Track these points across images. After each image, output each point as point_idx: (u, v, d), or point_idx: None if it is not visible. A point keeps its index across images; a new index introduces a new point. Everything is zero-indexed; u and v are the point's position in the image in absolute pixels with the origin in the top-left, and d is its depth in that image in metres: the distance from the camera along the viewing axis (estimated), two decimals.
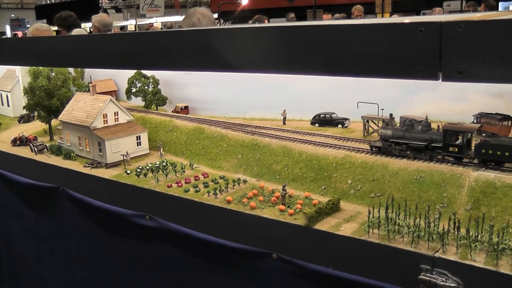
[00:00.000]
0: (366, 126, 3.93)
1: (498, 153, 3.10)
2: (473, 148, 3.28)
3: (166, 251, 3.51)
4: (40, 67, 5.24)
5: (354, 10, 15.33)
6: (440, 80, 1.97)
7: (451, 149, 3.32)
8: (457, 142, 3.31)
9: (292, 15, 16.68)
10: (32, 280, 5.02)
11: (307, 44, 2.36)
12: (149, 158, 4.48)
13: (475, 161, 3.21)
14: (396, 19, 6.62)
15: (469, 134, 3.31)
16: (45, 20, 28.96)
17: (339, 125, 3.97)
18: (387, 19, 8.65)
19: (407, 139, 3.52)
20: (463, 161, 3.27)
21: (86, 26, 16.31)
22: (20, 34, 32.61)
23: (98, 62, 3.86)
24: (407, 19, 2.14)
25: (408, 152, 3.49)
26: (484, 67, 1.85)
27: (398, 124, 3.70)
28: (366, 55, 2.17)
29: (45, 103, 5.25)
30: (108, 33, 8.46)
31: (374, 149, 3.63)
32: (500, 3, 18.48)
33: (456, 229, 2.53)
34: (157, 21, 32.23)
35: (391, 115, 3.76)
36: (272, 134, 4.19)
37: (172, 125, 4.90)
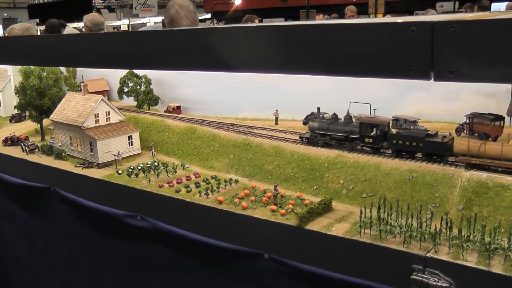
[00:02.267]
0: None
1: (407, 143, 3.42)
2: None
3: (157, 251, 3.49)
4: (31, 67, 5.21)
5: (347, 10, 15.34)
6: (432, 79, 1.96)
7: (366, 140, 3.63)
8: (372, 134, 3.61)
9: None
10: (23, 280, 4.99)
11: (299, 44, 2.35)
12: (141, 158, 4.46)
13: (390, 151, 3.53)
14: (389, 19, 6.62)
15: (382, 127, 3.58)
16: (37, 20, 28.89)
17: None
18: (380, 19, 8.67)
19: (331, 131, 3.83)
20: (380, 151, 3.58)
21: (79, 25, 16.25)
22: None
23: (89, 61, 3.84)
24: (399, 19, 2.13)
25: (332, 142, 3.80)
26: (476, 67, 1.84)
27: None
28: (358, 55, 2.16)
29: (36, 103, 5.22)
30: (100, 32, 8.43)
31: (305, 139, 3.94)
32: (493, 4, 18.53)
33: (448, 229, 2.53)
34: (150, 21, 32.14)
35: (318, 109, 4.01)
36: (264, 134, 4.18)
37: (164, 125, 4.89)
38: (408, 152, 3.43)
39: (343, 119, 3.86)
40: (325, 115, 3.97)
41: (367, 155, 3.55)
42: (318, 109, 4.01)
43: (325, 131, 3.85)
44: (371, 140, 3.60)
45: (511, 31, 1.75)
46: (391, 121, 3.67)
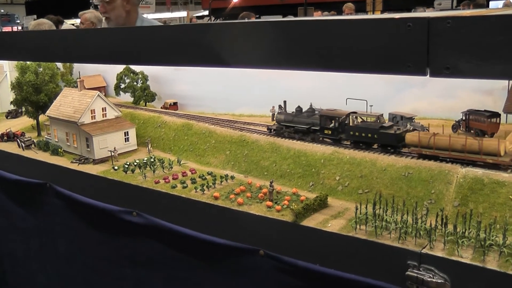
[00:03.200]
0: (354, 123, 3.93)
1: (363, 135, 3.62)
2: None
3: (153, 247, 3.49)
4: (27, 62, 5.20)
5: (345, 7, 15.35)
6: (428, 75, 1.96)
7: (326, 131, 3.84)
8: (331, 126, 3.82)
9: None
10: (19, 276, 4.99)
11: (295, 39, 2.35)
12: (137, 154, 4.46)
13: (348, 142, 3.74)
14: (384, 15, 6.62)
15: (340, 119, 3.77)
16: (35, 16, 28.81)
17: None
18: (376, 16, 8.67)
19: (294, 123, 4.03)
20: (341, 143, 3.78)
21: (76, 22, 16.21)
22: (9, 29, 32.39)
23: (86, 57, 3.83)
24: (396, 16, 2.13)
25: (296, 134, 4.01)
26: (472, 63, 1.84)
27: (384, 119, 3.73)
28: (354, 51, 2.16)
29: (32, 99, 5.21)
30: (98, 27, 8.41)
31: (272, 131, 4.14)
32: (490, 2, 18.55)
33: (443, 226, 2.53)
34: (148, 18, 32.16)
35: (284, 102, 4.20)
36: (260, 131, 4.18)
37: (161, 121, 4.88)
38: (365, 143, 3.62)
39: (306, 112, 4.07)
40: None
41: (363, 152, 3.55)
42: (285, 102, 4.20)
43: (289, 123, 4.05)
44: (330, 132, 3.82)
45: (507, 28, 1.76)
46: (349, 115, 3.83)
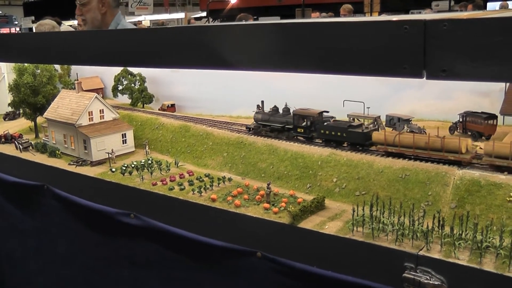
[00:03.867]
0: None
1: (333, 133, 3.78)
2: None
3: (150, 249, 3.49)
4: (25, 64, 5.19)
5: (342, 9, 15.33)
6: (425, 78, 1.96)
7: (299, 130, 4.00)
8: (303, 124, 3.97)
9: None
10: (17, 278, 4.98)
11: (292, 41, 2.35)
12: (135, 156, 4.46)
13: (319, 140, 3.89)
14: (381, 17, 6.62)
15: (311, 118, 3.94)
16: (33, 17, 28.78)
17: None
18: (373, 18, 8.67)
19: (271, 122, 4.19)
20: (313, 141, 3.93)
21: (74, 23, 16.20)
22: (7, 31, 32.35)
23: (84, 59, 3.83)
24: (394, 17, 2.14)
25: (272, 132, 4.18)
26: (468, 66, 1.84)
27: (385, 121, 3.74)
28: (351, 53, 2.16)
29: (30, 100, 5.21)
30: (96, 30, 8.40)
31: (251, 130, 4.30)
32: (488, 3, 18.57)
33: (440, 227, 2.53)
34: (146, 19, 32.11)
35: (262, 102, 4.36)
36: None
37: (158, 123, 4.88)
38: (335, 141, 3.77)
39: (281, 111, 4.25)
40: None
41: (357, 153, 3.56)
42: (262, 102, 4.36)
43: (266, 122, 4.22)
44: (302, 130, 3.99)
45: (504, 30, 1.76)
46: (321, 114, 4.00)
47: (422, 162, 3.27)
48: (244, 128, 4.40)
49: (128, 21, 6.95)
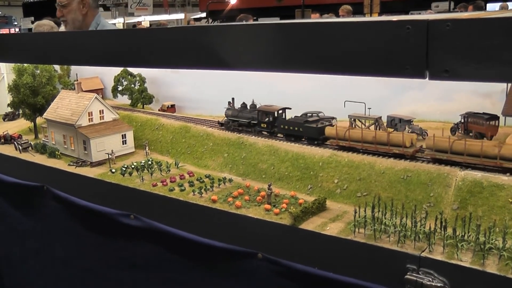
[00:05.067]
0: (353, 125, 3.92)
1: (291, 128, 4.01)
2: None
3: (150, 250, 3.48)
4: (25, 64, 5.18)
5: (341, 10, 15.32)
6: (427, 78, 1.95)
7: (262, 125, 4.24)
8: (266, 120, 4.22)
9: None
10: (16, 279, 4.97)
11: (293, 42, 2.34)
12: (135, 157, 4.45)
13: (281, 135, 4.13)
14: (383, 17, 6.62)
15: (273, 114, 4.18)
16: (32, 18, 28.79)
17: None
18: (375, 18, 8.67)
19: (239, 117, 4.44)
20: (275, 135, 4.16)
21: None
22: (7, 31, 32.37)
23: (83, 60, 3.82)
24: (395, 18, 2.12)
25: (240, 127, 4.41)
26: (471, 66, 1.83)
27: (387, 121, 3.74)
28: (353, 53, 2.15)
29: (30, 101, 5.20)
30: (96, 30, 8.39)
31: (222, 126, 4.54)
32: (488, 4, 18.58)
33: (442, 229, 2.52)
34: (145, 20, 32.13)
35: (233, 99, 4.60)
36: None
37: (158, 123, 4.87)
38: (293, 136, 4.00)
39: (249, 108, 4.49)
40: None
41: (358, 154, 3.55)
42: (233, 99, 4.61)
43: (235, 118, 4.48)
44: (265, 125, 4.23)
45: (506, 30, 1.75)
46: (282, 110, 4.21)
47: (423, 163, 3.26)
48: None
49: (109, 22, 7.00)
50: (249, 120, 4.35)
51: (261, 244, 2.91)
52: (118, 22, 31.30)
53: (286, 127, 4.05)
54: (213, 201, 3.31)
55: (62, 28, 9.25)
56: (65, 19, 5.90)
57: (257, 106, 4.38)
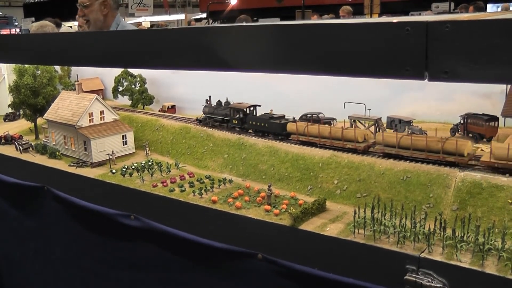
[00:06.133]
0: (353, 126, 3.93)
1: (258, 124, 4.26)
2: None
3: (151, 251, 3.48)
4: (25, 65, 5.19)
5: (341, 11, 15.32)
6: (427, 80, 1.95)
7: (234, 121, 4.47)
8: (237, 116, 4.45)
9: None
10: (16, 280, 4.97)
11: (293, 43, 2.34)
12: (135, 158, 4.45)
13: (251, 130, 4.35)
14: (383, 18, 6.62)
15: (242, 111, 4.42)
16: (33, 18, 28.80)
17: (326, 125, 3.99)
18: (374, 19, 8.67)
19: (214, 114, 4.68)
20: (246, 131, 4.37)
21: (74, 24, 16.21)
22: (7, 32, 32.37)
23: (84, 60, 3.82)
24: (395, 19, 2.13)
25: (215, 123, 4.63)
26: (471, 67, 1.84)
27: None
28: (352, 55, 2.15)
29: (30, 101, 5.20)
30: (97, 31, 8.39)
31: (200, 122, 4.76)
32: (488, 5, 18.58)
33: (442, 230, 2.52)
34: (146, 20, 32.14)
35: (210, 97, 4.84)
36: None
37: (159, 124, 4.88)
38: (261, 131, 4.24)
39: (223, 105, 4.74)
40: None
41: (360, 155, 3.55)
42: (210, 97, 4.84)
43: (211, 115, 4.71)
44: (236, 122, 4.46)
45: (506, 31, 1.75)
46: (253, 107, 4.46)
47: (423, 164, 3.26)
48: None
49: (128, 22, 7.00)
50: (223, 116, 4.59)
51: (261, 245, 2.92)
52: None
53: (255, 123, 4.30)
54: (213, 202, 3.32)
55: (64, 29, 9.28)
56: (87, 18, 5.92)
57: (231, 103, 4.64)
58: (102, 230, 3.81)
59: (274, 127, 4.14)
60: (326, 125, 3.98)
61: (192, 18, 33.35)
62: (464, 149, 3.18)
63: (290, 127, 4.02)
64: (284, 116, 4.22)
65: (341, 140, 3.69)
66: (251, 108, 4.45)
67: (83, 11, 5.87)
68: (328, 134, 3.77)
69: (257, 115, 4.42)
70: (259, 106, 4.43)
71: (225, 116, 4.57)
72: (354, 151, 3.62)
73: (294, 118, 4.18)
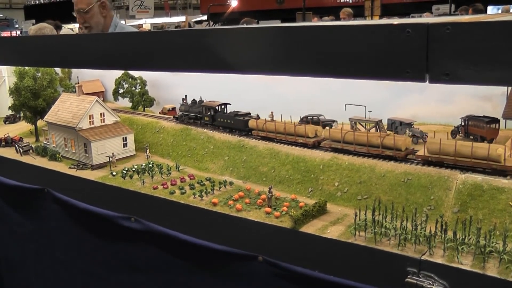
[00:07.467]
0: (354, 128, 3.92)
1: (225, 121, 4.54)
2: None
3: (151, 253, 3.48)
4: (26, 67, 5.19)
5: (341, 13, 15.33)
6: (427, 82, 1.95)
7: (206, 118, 4.73)
8: (208, 114, 4.71)
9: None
10: (16, 282, 4.97)
11: (293, 45, 2.34)
12: (135, 160, 4.45)
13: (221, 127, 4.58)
14: (383, 20, 6.62)
15: (212, 109, 4.68)
16: (33, 20, 28.83)
17: (326, 127, 3.98)
18: (375, 21, 8.67)
19: (189, 112, 4.91)
20: (216, 127, 4.61)
21: (75, 26, 16.21)
22: (8, 34, 32.39)
23: (85, 62, 3.83)
24: (395, 21, 2.12)
25: (190, 120, 4.87)
26: (471, 69, 1.84)
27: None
28: (353, 57, 2.15)
29: (31, 104, 5.20)
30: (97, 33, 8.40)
31: (177, 119, 5.00)
32: (488, 7, 18.59)
33: (443, 232, 2.52)
34: (146, 22, 32.20)
35: (186, 96, 5.10)
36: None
37: (159, 126, 4.88)
38: (228, 127, 4.50)
39: (197, 103, 4.97)
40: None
41: (361, 157, 3.55)
42: (186, 96, 5.09)
43: (187, 112, 4.94)
44: (208, 119, 4.71)
45: (507, 34, 1.75)
46: (223, 105, 4.69)
47: (424, 166, 3.25)
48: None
49: (128, 25, 7.01)
50: (196, 114, 4.84)
51: (262, 247, 2.92)
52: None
53: (223, 120, 4.56)
54: (213, 204, 3.31)
55: (65, 31, 9.28)
56: (88, 24, 5.90)
57: (203, 101, 4.92)
58: (102, 232, 3.82)
59: (238, 124, 4.43)
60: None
61: (193, 20, 33.41)
62: (401, 144, 3.44)
63: (251, 123, 4.30)
64: (249, 113, 4.50)
65: (293, 136, 3.98)
66: (222, 106, 4.69)
67: (83, 17, 5.85)
68: (283, 130, 4.05)
69: (227, 112, 4.66)
70: (229, 104, 4.68)
71: (198, 114, 4.82)
72: (305, 145, 3.88)
73: (258, 116, 4.43)
